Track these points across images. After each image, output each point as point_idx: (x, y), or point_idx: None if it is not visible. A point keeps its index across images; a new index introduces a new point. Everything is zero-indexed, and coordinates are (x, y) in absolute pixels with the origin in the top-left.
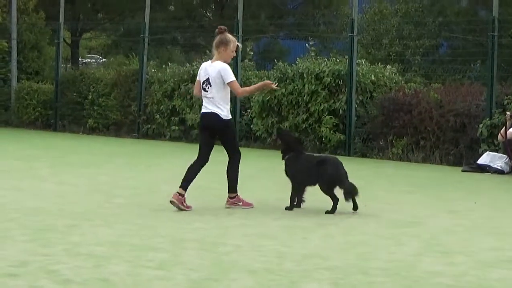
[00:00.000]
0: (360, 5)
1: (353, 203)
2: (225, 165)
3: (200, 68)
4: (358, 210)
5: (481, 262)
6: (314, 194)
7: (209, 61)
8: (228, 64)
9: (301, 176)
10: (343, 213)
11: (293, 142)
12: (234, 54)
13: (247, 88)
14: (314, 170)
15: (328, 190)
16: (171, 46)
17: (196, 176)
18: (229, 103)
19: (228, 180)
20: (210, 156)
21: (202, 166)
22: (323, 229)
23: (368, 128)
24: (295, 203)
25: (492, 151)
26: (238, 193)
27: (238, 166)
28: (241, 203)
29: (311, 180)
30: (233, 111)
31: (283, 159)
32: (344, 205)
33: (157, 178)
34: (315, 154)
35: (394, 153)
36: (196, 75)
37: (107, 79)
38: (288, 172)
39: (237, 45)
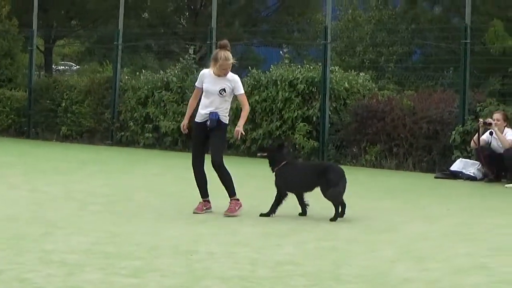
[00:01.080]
0: (334, 13)
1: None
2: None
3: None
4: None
5: (455, 268)
6: (288, 201)
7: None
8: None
9: (297, 183)
10: (316, 219)
11: (279, 153)
12: (219, 73)
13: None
14: (313, 177)
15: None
16: (145, 53)
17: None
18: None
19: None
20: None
21: None
22: (297, 236)
23: (342, 135)
24: (273, 213)
25: (464, 158)
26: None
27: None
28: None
29: (308, 186)
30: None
31: (273, 171)
32: (319, 211)
33: (131, 185)
34: (311, 162)
35: (368, 160)
36: (170, 82)
37: (81, 86)
38: (277, 182)
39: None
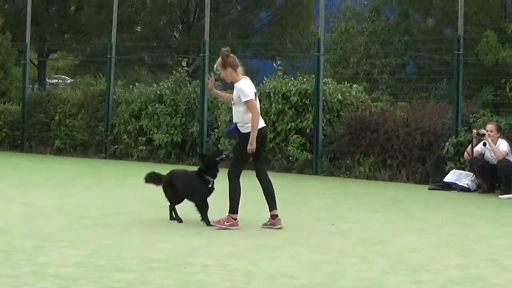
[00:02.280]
0: (327, 24)
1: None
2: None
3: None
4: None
5: (448, 279)
6: (282, 213)
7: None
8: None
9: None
10: (310, 231)
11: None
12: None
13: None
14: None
15: None
16: (138, 66)
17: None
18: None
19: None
20: None
21: None
22: (291, 248)
23: (335, 147)
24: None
25: (458, 169)
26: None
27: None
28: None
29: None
30: (199, 131)
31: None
32: (313, 223)
33: (124, 198)
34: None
35: (361, 171)
36: (163, 95)
37: (74, 100)
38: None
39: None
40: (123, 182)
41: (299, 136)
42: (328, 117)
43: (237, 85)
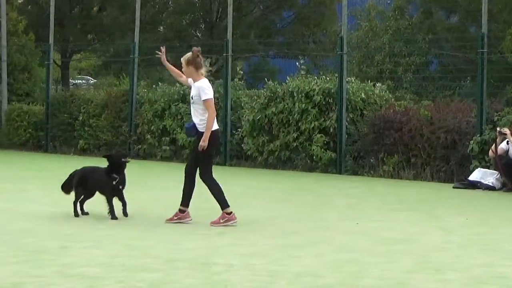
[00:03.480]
0: (351, 22)
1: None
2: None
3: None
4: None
5: (473, 278)
6: (305, 213)
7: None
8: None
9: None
10: (335, 231)
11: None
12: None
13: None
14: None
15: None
16: (161, 66)
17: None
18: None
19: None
20: None
21: None
22: (315, 247)
23: (359, 146)
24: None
25: (483, 168)
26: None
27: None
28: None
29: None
30: (223, 130)
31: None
32: (337, 223)
33: (148, 198)
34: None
35: (385, 170)
36: (186, 95)
37: (98, 100)
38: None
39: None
40: (147, 182)
41: (322, 135)
42: (351, 116)
43: (197, 83)
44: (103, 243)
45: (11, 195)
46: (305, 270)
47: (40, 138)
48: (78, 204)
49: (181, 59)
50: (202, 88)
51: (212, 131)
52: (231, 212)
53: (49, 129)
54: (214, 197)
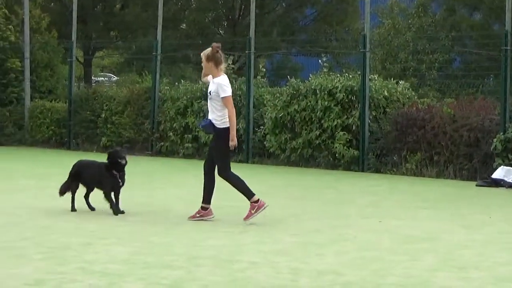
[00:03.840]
0: (373, 20)
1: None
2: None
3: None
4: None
5: (497, 277)
6: (329, 212)
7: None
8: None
9: None
10: (357, 229)
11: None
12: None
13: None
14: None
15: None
16: (184, 63)
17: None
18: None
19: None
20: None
21: None
22: (338, 245)
23: (382, 144)
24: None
25: (506, 165)
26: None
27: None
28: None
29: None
30: (245, 127)
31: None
32: (359, 221)
33: (170, 195)
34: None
35: (408, 168)
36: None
37: (120, 97)
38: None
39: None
40: (169, 180)
41: (345, 133)
42: (374, 114)
43: (216, 80)
44: (125, 240)
45: (34, 192)
46: (328, 268)
47: (62, 135)
48: (83, 199)
49: (201, 54)
50: (220, 85)
51: (227, 128)
52: (258, 200)
53: (72, 126)
54: (237, 189)
